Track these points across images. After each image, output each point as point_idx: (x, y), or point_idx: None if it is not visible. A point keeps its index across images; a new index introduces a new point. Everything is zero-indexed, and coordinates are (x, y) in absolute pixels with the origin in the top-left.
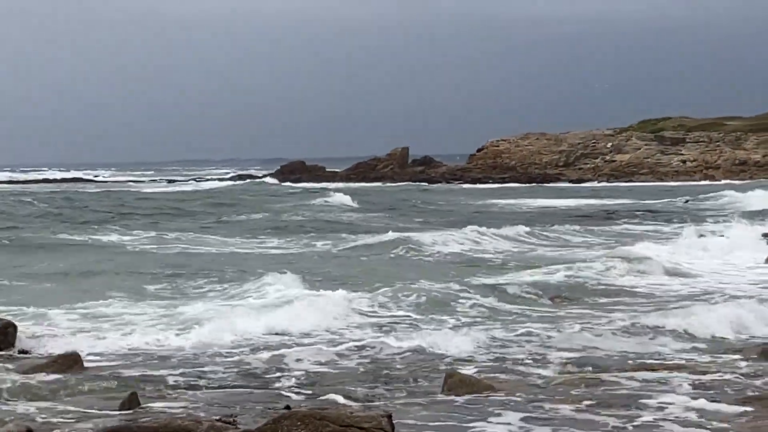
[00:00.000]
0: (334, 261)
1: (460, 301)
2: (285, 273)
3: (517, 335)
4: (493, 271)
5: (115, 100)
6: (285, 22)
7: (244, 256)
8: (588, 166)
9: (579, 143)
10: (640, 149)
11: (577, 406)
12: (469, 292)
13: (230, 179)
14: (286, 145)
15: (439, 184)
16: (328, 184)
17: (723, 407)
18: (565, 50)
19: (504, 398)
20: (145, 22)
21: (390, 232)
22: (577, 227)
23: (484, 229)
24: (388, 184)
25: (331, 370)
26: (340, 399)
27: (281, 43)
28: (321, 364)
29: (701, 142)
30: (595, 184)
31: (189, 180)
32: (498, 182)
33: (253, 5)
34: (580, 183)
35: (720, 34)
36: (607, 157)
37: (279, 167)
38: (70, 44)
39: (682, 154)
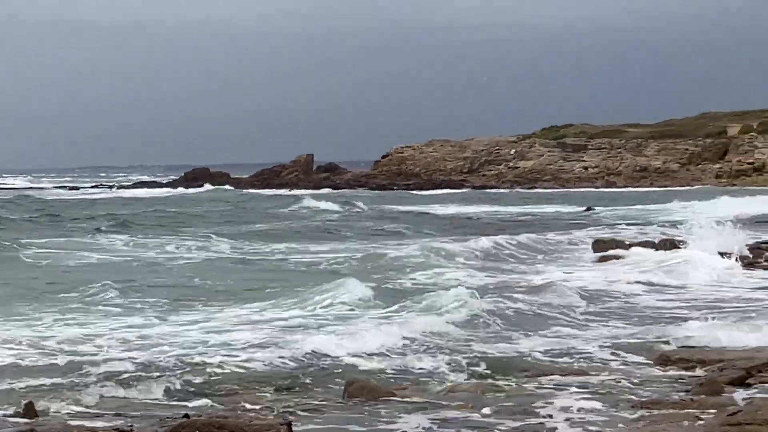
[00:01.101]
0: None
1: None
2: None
3: (423, 340)
4: None
5: (14, 102)
6: (191, 28)
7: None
8: (492, 172)
9: (483, 150)
10: (543, 156)
11: (477, 412)
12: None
13: (134, 186)
14: (191, 152)
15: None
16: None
17: (619, 412)
18: (469, 57)
19: (405, 404)
20: (55, 25)
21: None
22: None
23: (499, 238)
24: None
25: (235, 376)
26: (244, 406)
27: (188, 48)
28: (224, 369)
29: (603, 148)
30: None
31: (94, 186)
32: (402, 189)
33: (158, 15)
34: (483, 189)
35: (621, 42)
36: (511, 164)
37: (183, 174)
38: None
39: (584, 161)
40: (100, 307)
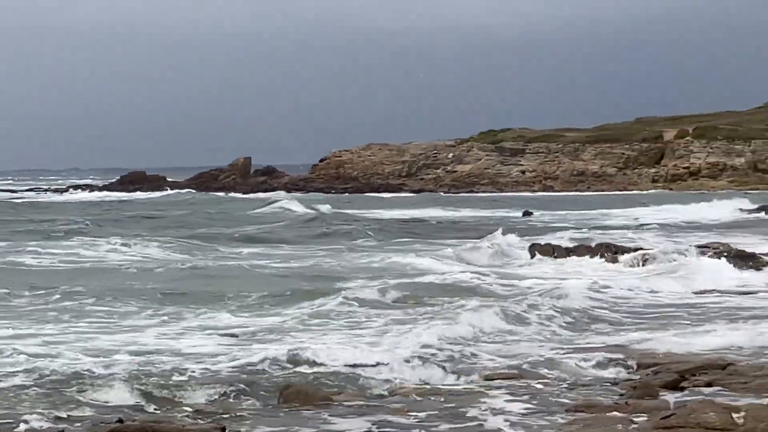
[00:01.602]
0: None
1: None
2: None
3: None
4: None
5: None
6: (124, 31)
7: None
8: (430, 176)
9: (421, 154)
10: (480, 160)
11: (414, 415)
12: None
13: (67, 190)
14: (127, 155)
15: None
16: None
17: (552, 416)
18: (407, 61)
19: (340, 409)
20: None
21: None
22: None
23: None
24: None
25: (173, 382)
26: (181, 411)
27: (122, 51)
28: (162, 374)
29: (540, 153)
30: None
31: (30, 189)
32: (340, 192)
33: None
34: (420, 193)
35: (559, 47)
36: (449, 168)
37: (119, 177)
38: None
39: (521, 165)
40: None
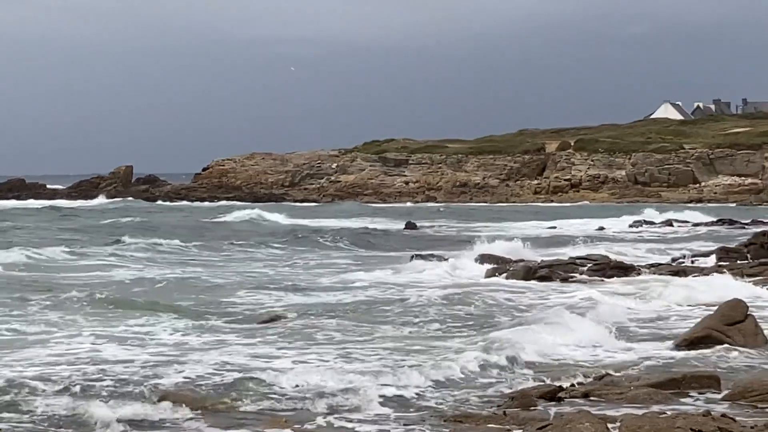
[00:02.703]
0: None
1: None
2: None
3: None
4: None
5: None
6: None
7: None
8: (313, 186)
9: (305, 164)
10: (364, 170)
11: (289, 428)
12: None
13: None
14: (7, 163)
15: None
16: (53, 201)
17: (427, 427)
18: (295, 72)
19: (215, 418)
20: None
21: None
22: None
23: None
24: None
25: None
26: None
27: (13, 55)
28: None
29: (424, 163)
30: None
31: None
32: (223, 201)
33: None
34: (304, 203)
35: (441, 59)
36: (333, 178)
37: None
38: None
39: (405, 176)
40: None
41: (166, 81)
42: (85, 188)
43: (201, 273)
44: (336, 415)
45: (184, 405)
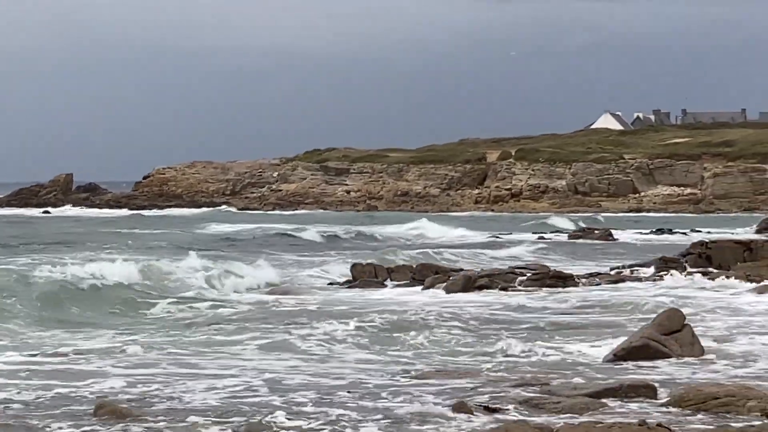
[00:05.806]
0: None
1: None
2: None
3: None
4: None
5: None
6: None
7: None
8: (254, 194)
9: (246, 172)
10: (306, 179)
11: None
12: None
13: None
14: None
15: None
16: None
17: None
18: (233, 80)
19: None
20: None
21: None
22: None
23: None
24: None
25: None
26: None
27: None
28: None
29: (365, 173)
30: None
31: None
32: (164, 209)
33: None
34: (245, 211)
35: (382, 67)
36: (274, 186)
37: None
38: None
39: (346, 185)
40: None
41: (106, 90)
42: (25, 196)
43: None
44: None
45: None
